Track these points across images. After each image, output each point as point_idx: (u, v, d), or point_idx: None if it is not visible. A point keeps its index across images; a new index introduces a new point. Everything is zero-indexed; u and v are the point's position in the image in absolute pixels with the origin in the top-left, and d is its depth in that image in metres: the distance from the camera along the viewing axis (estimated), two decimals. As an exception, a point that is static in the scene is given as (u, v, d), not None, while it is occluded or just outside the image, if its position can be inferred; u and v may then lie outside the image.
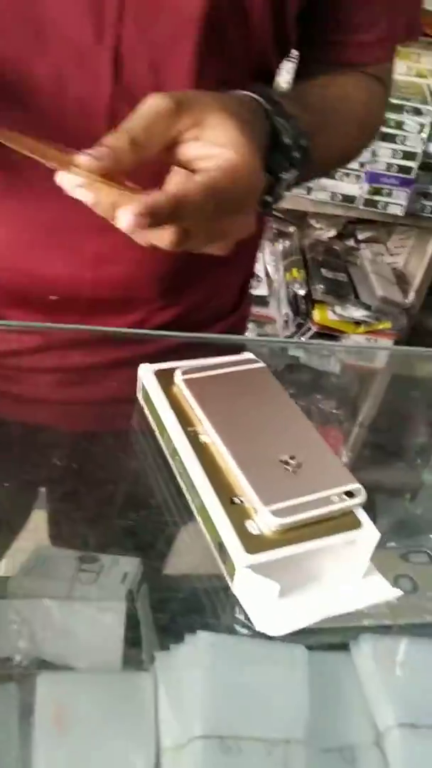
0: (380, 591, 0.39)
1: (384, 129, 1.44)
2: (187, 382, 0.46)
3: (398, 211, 1.53)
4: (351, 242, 1.82)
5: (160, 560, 0.46)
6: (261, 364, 0.49)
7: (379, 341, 1.63)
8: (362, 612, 0.46)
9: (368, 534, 0.38)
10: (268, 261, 1.70)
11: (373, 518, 0.48)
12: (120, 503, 0.50)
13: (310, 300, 1.62)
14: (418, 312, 1.73)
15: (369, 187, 1.51)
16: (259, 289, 1.63)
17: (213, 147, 0.40)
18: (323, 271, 1.67)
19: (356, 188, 1.52)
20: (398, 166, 1.49)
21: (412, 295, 1.72)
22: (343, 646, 0.43)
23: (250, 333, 1.42)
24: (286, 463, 0.41)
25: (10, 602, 0.43)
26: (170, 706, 0.38)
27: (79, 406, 0.61)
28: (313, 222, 1.77)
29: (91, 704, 0.39)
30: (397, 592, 0.38)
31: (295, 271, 1.67)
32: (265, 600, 0.37)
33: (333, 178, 1.50)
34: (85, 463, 0.51)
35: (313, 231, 1.78)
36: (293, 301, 1.63)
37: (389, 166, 1.49)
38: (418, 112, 1.44)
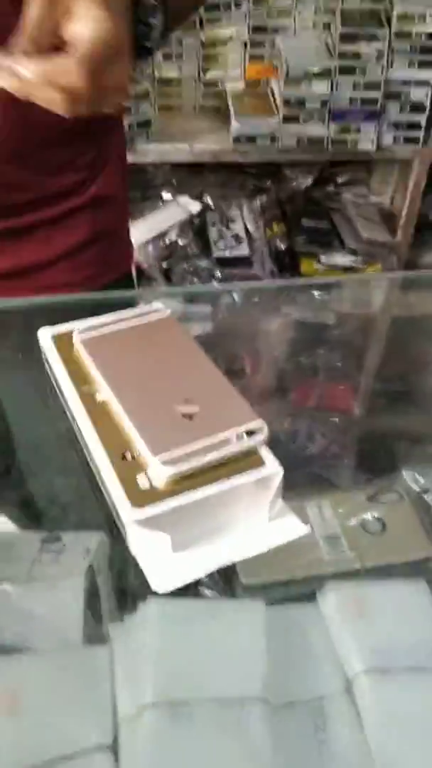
0: (289, 530, 0.36)
1: (340, 62, 1.38)
2: (85, 342, 0.44)
3: (369, 146, 1.48)
4: (331, 187, 1.77)
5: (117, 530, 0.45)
6: (166, 313, 0.46)
7: (372, 283, 1.58)
8: (325, 560, 0.45)
9: (271, 471, 0.36)
10: (247, 219, 1.66)
11: (340, 457, 0.46)
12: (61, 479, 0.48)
13: (293, 253, 1.58)
14: (408, 249, 1.68)
15: (335, 126, 1.46)
16: (240, 250, 1.59)
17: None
18: (304, 221, 1.62)
19: (322, 129, 1.47)
20: (361, 99, 1.43)
21: (399, 234, 1.66)
22: (310, 597, 0.41)
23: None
24: (183, 409, 0.38)
25: None
26: (125, 677, 0.37)
27: None
28: (287, 172, 1.72)
29: (47, 684, 0.38)
30: (306, 529, 0.36)
31: (275, 225, 1.63)
32: (159, 555, 0.34)
33: (297, 121, 1.45)
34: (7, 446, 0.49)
35: (289, 182, 1.73)
36: (277, 257, 1.59)
37: (352, 100, 1.43)
38: (373, 37, 1.38)
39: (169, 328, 0.45)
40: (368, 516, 0.48)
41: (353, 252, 1.55)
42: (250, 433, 0.37)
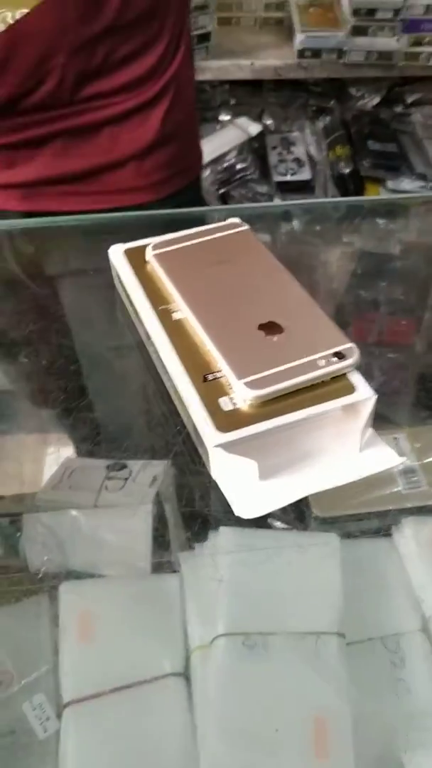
0: (382, 460, 0.34)
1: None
2: (159, 257, 0.41)
3: (445, 60, 1.38)
4: (399, 108, 1.66)
5: (186, 458, 0.43)
6: (244, 228, 0.43)
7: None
8: (401, 494, 0.43)
9: (362, 397, 0.33)
10: (309, 142, 1.58)
11: (422, 393, 0.43)
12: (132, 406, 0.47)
13: (358, 177, 1.50)
14: None
15: (407, 37, 1.35)
16: (302, 174, 1.52)
17: None
18: (370, 143, 1.53)
19: (393, 42, 1.36)
20: (439, 7, 1.32)
21: (472, 157, 1.56)
22: (385, 532, 0.40)
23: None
24: (267, 330, 0.35)
25: (38, 516, 0.41)
26: (195, 607, 0.37)
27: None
28: (353, 91, 1.62)
29: (117, 610, 0.38)
30: (401, 459, 0.33)
31: (339, 148, 1.54)
32: (244, 481, 0.32)
33: (365, 34, 1.35)
34: (76, 368, 0.47)
35: (355, 102, 1.63)
36: (340, 182, 1.51)
37: (428, 8, 1.32)
38: None
39: (249, 243, 0.42)
40: (447, 450, 0.46)
41: (422, 177, 1.47)
42: (339, 356, 0.34)
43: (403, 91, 1.65)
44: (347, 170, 1.50)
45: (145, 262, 0.42)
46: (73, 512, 0.41)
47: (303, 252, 0.61)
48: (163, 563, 0.39)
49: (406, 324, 0.59)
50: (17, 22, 0.59)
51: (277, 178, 1.51)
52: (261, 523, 0.39)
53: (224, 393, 0.34)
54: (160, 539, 0.39)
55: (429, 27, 1.35)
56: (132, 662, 0.36)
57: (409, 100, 1.65)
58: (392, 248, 0.68)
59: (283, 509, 0.40)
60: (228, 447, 0.31)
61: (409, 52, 1.38)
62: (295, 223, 0.66)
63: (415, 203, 0.74)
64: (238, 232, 0.43)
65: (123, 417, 0.44)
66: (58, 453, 0.45)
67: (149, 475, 0.43)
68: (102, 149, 0.68)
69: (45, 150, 0.68)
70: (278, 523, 0.41)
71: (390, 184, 1.47)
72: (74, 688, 0.34)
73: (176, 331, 0.37)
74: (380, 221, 0.70)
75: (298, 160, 1.53)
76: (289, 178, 1.50)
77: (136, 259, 0.43)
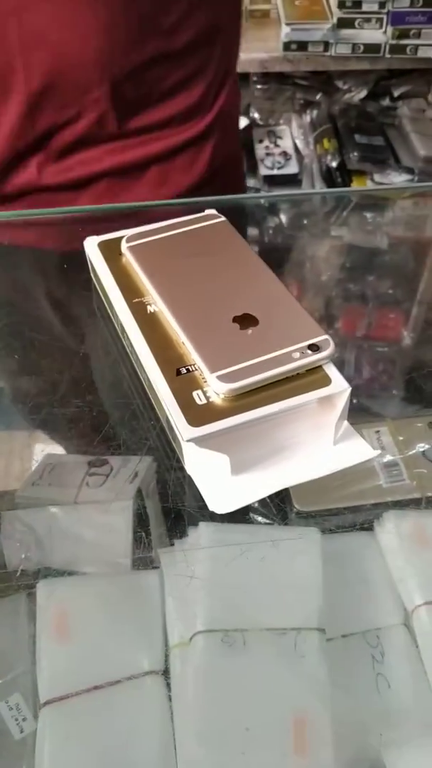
0: (357, 453, 0.33)
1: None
2: (133, 249, 0.41)
3: (430, 53, 1.37)
4: (386, 101, 1.66)
5: (161, 453, 0.43)
6: (220, 219, 0.42)
7: (429, 203, 1.50)
8: (383, 488, 0.43)
9: (337, 389, 0.33)
10: (295, 135, 1.58)
11: (403, 386, 0.43)
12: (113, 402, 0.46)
13: (345, 171, 1.49)
14: (468, 167, 1.57)
15: (393, 30, 1.35)
16: (289, 167, 1.51)
17: None
18: (357, 136, 1.53)
19: (379, 34, 1.36)
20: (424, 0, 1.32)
21: (460, 150, 1.56)
22: (367, 525, 0.40)
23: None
24: (242, 323, 0.35)
25: (16, 513, 0.41)
26: (175, 604, 0.36)
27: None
28: (340, 84, 1.62)
29: (95, 608, 0.38)
30: (375, 452, 0.33)
31: (326, 141, 1.54)
32: (218, 476, 0.32)
33: (351, 26, 1.35)
34: (54, 363, 0.47)
35: (341, 95, 1.63)
36: (327, 175, 1.51)
37: (413, 0, 1.32)
38: None
39: (226, 235, 0.41)
40: (429, 443, 0.46)
41: (409, 170, 1.46)
42: (314, 349, 0.34)
43: (390, 84, 1.65)
44: (334, 163, 1.49)
45: (119, 254, 0.42)
46: (53, 509, 0.41)
47: (283, 244, 0.60)
48: (143, 560, 0.38)
49: (389, 317, 0.59)
50: (59, 47, 0.54)
51: (264, 172, 1.50)
52: (242, 518, 0.38)
53: (198, 386, 0.33)
54: (141, 536, 0.39)
55: (415, 19, 1.34)
56: (110, 660, 0.35)
57: (396, 93, 1.65)
58: (376, 241, 0.68)
59: (264, 504, 0.39)
60: (201, 441, 0.31)
61: (395, 44, 1.37)
62: (277, 215, 0.65)
63: (401, 195, 0.74)
64: (214, 223, 0.42)
65: (101, 412, 0.44)
66: (38, 449, 0.45)
67: (130, 470, 0.42)
68: (148, 189, 0.63)
69: (87, 192, 0.62)
70: (260, 518, 0.40)
71: (377, 177, 1.47)
72: (51, 688, 0.34)
73: (150, 325, 0.37)
74: (366, 213, 0.70)
75: (284, 154, 1.53)
76: (275, 171, 1.49)
77: (111, 251, 0.42)
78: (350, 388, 0.33)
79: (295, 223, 0.66)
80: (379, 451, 0.35)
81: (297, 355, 0.33)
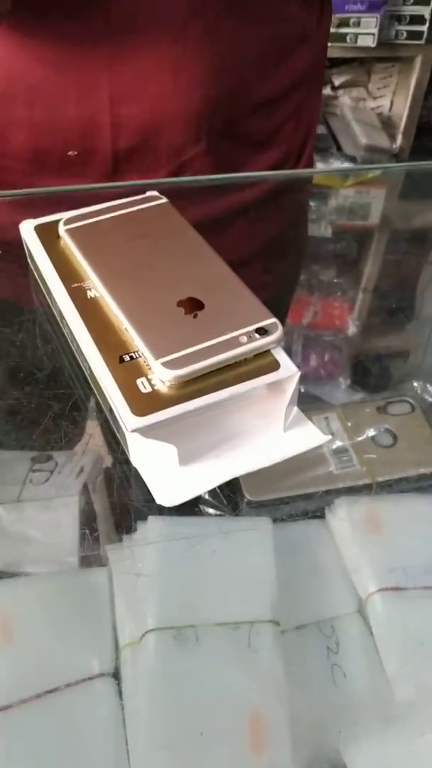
0: (307, 439, 0.32)
1: None
2: (71, 232, 0.39)
3: (370, 41, 1.38)
4: (328, 90, 1.66)
5: (113, 444, 0.41)
6: (162, 201, 0.41)
7: (372, 192, 1.52)
8: (334, 474, 0.42)
9: (286, 374, 0.31)
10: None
11: (350, 372, 0.42)
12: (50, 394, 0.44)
13: (288, 160, 1.49)
14: (409, 156, 1.60)
15: (333, 18, 1.35)
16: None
17: None
18: (299, 126, 1.52)
19: (320, 22, 1.36)
20: (363, -13, 1.32)
21: (400, 139, 1.58)
22: (319, 514, 0.39)
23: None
24: (187, 307, 0.33)
25: None
26: (125, 601, 0.35)
27: None
28: (281, 73, 1.61)
29: (41, 609, 0.36)
30: (326, 438, 0.32)
31: (268, 130, 1.53)
32: (165, 467, 0.30)
33: (292, 14, 1.34)
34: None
35: (283, 84, 1.62)
36: (270, 164, 1.51)
37: (353, -12, 1.32)
38: None
39: (168, 217, 0.40)
40: (378, 428, 0.46)
41: (351, 159, 1.47)
42: (262, 332, 0.32)
43: (331, 74, 1.65)
44: (277, 152, 1.49)
45: (57, 237, 0.40)
46: (-8, 508, 0.39)
47: (228, 228, 0.59)
48: (91, 558, 0.37)
49: (335, 304, 0.59)
50: (156, 101, 0.49)
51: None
52: (192, 510, 0.37)
53: (142, 374, 0.32)
54: (87, 533, 0.37)
55: (354, 8, 1.35)
56: (58, 664, 0.34)
57: (337, 82, 1.66)
58: (322, 228, 0.67)
59: (214, 495, 0.38)
60: (146, 431, 0.29)
61: (335, 33, 1.38)
62: (223, 198, 0.64)
63: (344, 184, 0.74)
64: (156, 205, 0.41)
65: (41, 404, 0.42)
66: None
67: (76, 465, 0.41)
68: (232, 246, 0.60)
69: None
70: (210, 510, 0.39)
71: (320, 165, 1.47)
72: (-5, 696, 0.32)
73: (90, 310, 0.35)
74: (312, 201, 0.69)
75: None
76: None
77: (49, 235, 0.40)
78: (300, 373, 0.32)
79: (242, 206, 0.65)
80: (329, 437, 0.34)
81: (244, 339, 0.32)
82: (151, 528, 0.37)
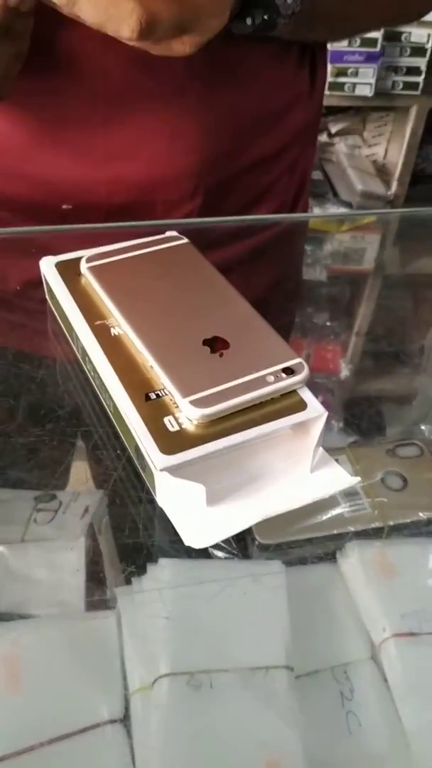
0: (335, 481, 0.32)
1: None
2: (94, 269, 0.39)
3: (367, 91, 1.41)
4: (324, 137, 1.70)
5: (121, 485, 0.41)
6: (183, 241, 0.41)
7: (366, 238, 1.54)
8: (345, 518, 0.42)
9: (314, 414, 0.31)
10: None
11: (359, 413, 0.42)
12: (62, 430, 0.44)
13: (285, 203, 1.52)
14: (404, 203, 1.63)
15: (332, 68, 1.39)
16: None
17: None
18: (296, 170, 1.56)
19: (319, 72, 1.40)
20: (361, 39, 1.36)
21: (395, 186, 1.61)
22: (330, 557, 0.38)
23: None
24: (212, 346, 0.33)
25: None
26: (134, 646, 0.34)
27: None
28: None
29: (48, 653, 0.35)
30: (354, 480, 0.32)
31: (266, 174, 1.56)
32: (192, 507, 0.30)
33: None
34: (5, 389, 0.44)
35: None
36: (268, 206, 1.53)
37: (351, 40, 1.36)
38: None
39: (190, 256, 0.40)
40: (388, 471, 0.45)
41: (347, 204, 1.50)
42: (288, 372, 0.32)
43: (328, 121, 1.69)
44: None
45: (78, 275, 0.40)
46: (-4, 548, 0.38)
47: (232, 272, 0.60)
48: (98, 601, 0.36)
49: (330, 347, 0.59)
50: (152, 160, 0.49)
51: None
52: (202, 552, 0.36)
53: (168, 413, 0.31)
54: (95, 574, 0.36)
55: (352, 59, 1.39)
56: (66, 710, 0.33)
57: (334, 129, 1.70)
58: (320, 271, 0.68)
59: (225, 536, 0.38)
60: (175, 470, 0.29)
61: (334, 82, 1.41)
62: (236, 240, 0.65)
63: (340, 229, 0.75)
64: (177, 245, 0.41)
65: (58, 442, 0.42)
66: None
67: (81, 505, 0.40)
68: None
69: None
70: (219, 552, 0.39)
71: (316, 210, 1.50)
72: (2, 744, 0.31)
73: (115, 348, 0.35)
74: (308, 242, 0.70)
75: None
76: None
77: (70, 272, 0.40)
78: (327, 413, 0.31)
79: (237, 252, 0.66)
80: (358, 478, 0.34)
81: (271, 378, 0.32)
82: (162, 571, 0.36)
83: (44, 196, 0.52)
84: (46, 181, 0.51)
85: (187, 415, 0.31)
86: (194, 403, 0.30)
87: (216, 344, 0.33)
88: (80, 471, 0.41)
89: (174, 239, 0.42)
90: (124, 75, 0.46)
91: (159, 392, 0.32)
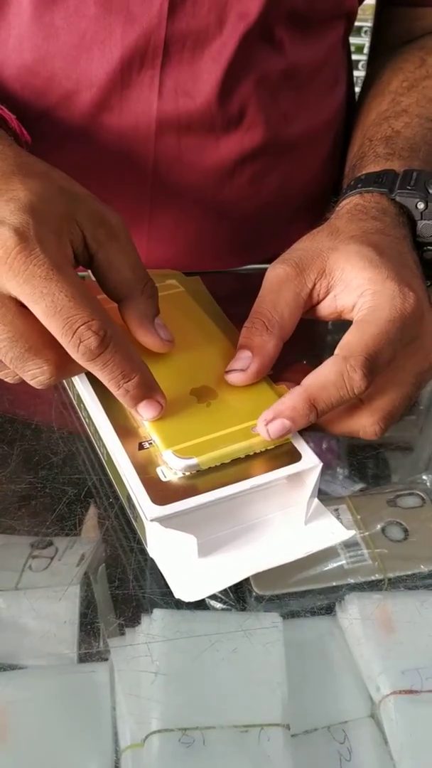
0: (330, 534, 0.32)
1: None
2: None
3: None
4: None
5: (118, 533, 0.40)
6: (179, 290, 0.42)
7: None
8: (344, 569, 0.41)
9: (308, 465, 0.31)
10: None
11: (358, 462, 0.42)
12: (60, 479, 0.44)
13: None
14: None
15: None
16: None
17: (351, 293, 0.34)
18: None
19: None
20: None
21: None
22: (328, 610, 0.38)
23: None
24: (200, 396, 0.33)
25: None
26: (127, 700, 0.33)
27: None
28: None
29: (37, 705, 0.34)
30: (350, 533, 0.31)
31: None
32: (184, 559, 0.30)
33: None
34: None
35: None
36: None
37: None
38: None
39: (184, 305, 0.40)
40: (389, 521, 0.45)
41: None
42: (282, 423, 0.32)
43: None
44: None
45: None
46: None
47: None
48: (91, 652, 0.35)
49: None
50: (192, 247, 0.51)
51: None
52: (198, 602, 0.36)
53: (162, 462, 0.31)
54: (89, 625, 0.36)
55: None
56: (54, 766, 0.32)
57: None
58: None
59: (222, 586, 0.37)
60: (166, 521, 0.29)
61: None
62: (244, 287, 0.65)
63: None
64: (172, 293, 0.41)
65: (55, 488, 0.41)
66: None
67: (77, 553, 0.40)
68: None
69: None
70: (216, 603, 0.38)
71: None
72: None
73: (109, 395, 0.35)
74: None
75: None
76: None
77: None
78: (321, 464, 0.31)
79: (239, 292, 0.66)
80: (353, 532, 0.34)
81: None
82: (156, 622, 0.36)
83: None
84: None
85: (169, 464, 0.30)
86: (177, 452, 0.30)
87: (204, 394, 0.33)
88: (74, 518, 0.40)
89: (170, 287, 0.42)
90: (172, 159, 0.47)
91: (151, 441, 0.32)
